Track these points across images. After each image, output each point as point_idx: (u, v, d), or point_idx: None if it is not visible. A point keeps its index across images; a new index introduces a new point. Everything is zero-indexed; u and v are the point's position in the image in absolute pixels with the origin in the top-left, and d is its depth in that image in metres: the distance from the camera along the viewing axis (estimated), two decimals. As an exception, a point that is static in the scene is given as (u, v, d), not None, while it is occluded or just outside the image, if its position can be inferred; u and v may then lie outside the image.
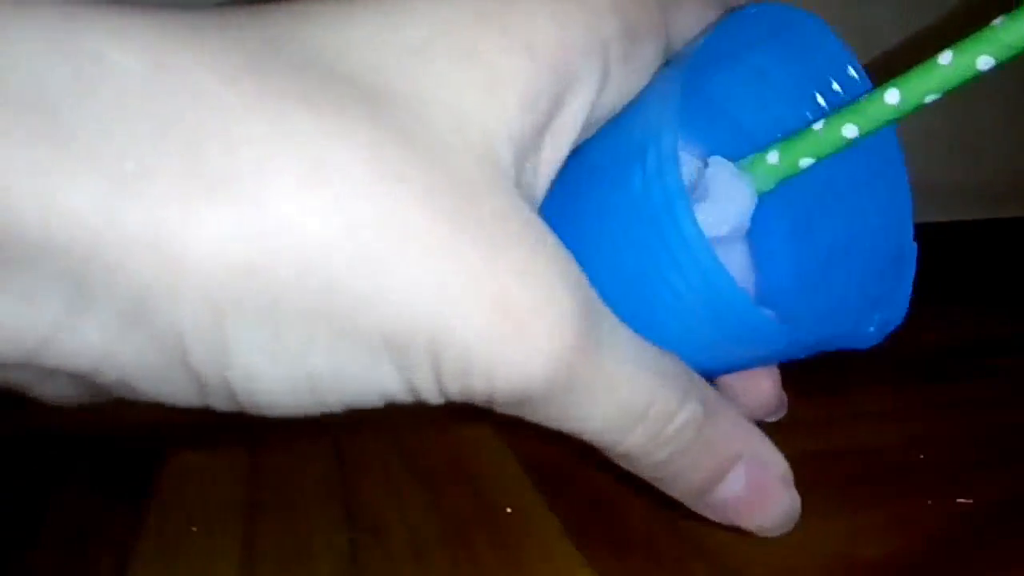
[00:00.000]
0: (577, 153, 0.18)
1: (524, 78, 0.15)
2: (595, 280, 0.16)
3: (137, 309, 0.13)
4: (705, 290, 0.17)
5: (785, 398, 0.23)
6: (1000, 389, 0.38)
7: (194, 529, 0.26)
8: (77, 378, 0.14)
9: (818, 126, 0.21)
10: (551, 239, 0.15)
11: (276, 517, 0.26)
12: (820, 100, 0.22)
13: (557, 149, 0.17)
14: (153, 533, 0.26)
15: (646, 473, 0.18)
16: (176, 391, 0.14)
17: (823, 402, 0.36)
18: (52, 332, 0.13)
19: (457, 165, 0.14)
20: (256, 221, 0.13)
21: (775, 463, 0.19)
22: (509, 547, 0.25)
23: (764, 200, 0.22)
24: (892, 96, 0.19)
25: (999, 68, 0.18)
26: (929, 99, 0.19)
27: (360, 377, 0.14)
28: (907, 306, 0.20)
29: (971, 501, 0.27)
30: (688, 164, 0.23)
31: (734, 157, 0.22)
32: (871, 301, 0.21)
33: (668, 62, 0.19)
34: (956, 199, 0.60)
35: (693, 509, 0.19)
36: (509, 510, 0.27)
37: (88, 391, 0.15)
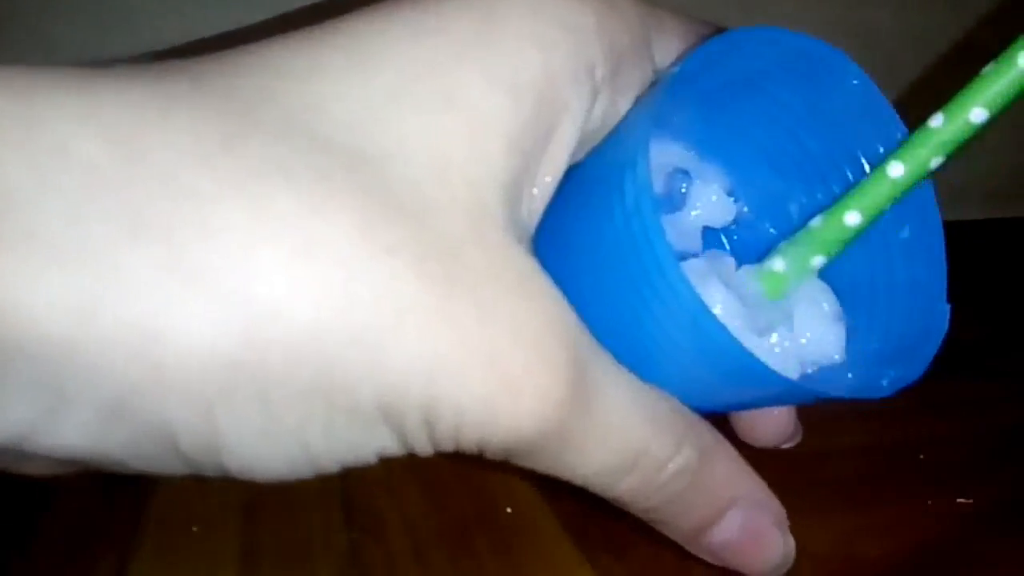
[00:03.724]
0: (567, 178, 0.17)
1: (507, 119, 0.15)
2: (590, 317, 0.16)
3: (120, 407, 0.12)
4: (696, 336, 0.16)
5: (799, 426, 0.22)
6: (1000, 389, 0.38)
7: (194, 529, 0.26)
8: (62, 461, 0.14)
9: (816, 221, 0.19)
10: (543, 287, 0.15)
11: (276, 517, 0.26)
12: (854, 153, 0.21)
13: (548, 181, 0.16)
14: (153, 533, 0.26)
15: (640, 515, 0.18)
16: (167, 469, 0.14)
17: (822, 402, 0.36)
18: (30, 430, 0.12)
19: (445, 224, 0.14)
20: (241, 312, 0.12)
21: (771, 508, 0.19)
22: (509, 547, 0.25)
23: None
24: (895, 170, 0.18)
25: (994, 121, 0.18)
26: (934, 164, 0.19)
27: (357, 443, 0.14)
28: (927, 366, 0.19)
29: (971, 501, 0.27)
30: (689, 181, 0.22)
31: (759, 182, 0.21)
32: (890, 354, 0.20)
33: (654, 83, 0.18)
34: (956, 199, 0.60)
35: (688, 550, 0.19)
36: (509, 510, 0.27)
37: (78, 467, 0.14)
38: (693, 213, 0.22)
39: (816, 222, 0.19)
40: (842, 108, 0.20)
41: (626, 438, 0.16)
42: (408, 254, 0.13)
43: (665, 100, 0.17)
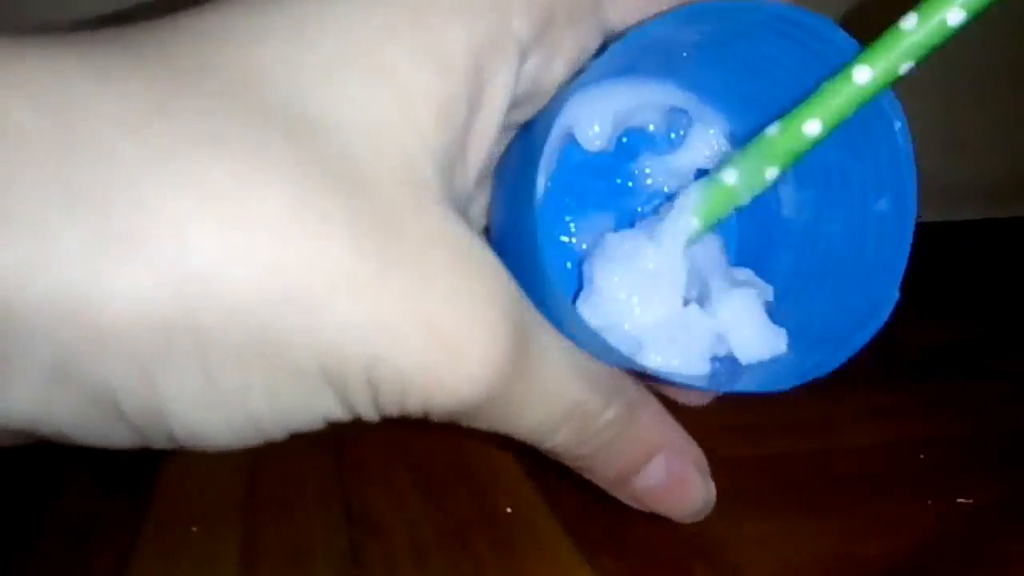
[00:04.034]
0: (509, 146, 0.18)
1: (435, 91, 0.15)
2: (524, 281, 0.17)
3: (62, 370, 0.13)
4: (571, 329, 0.18)
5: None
6: (1000, 389, 0.38)
7: (194, 529, 0.26)
8: (14, 431, 0.14)
9: (773, 129, 0.19)
10: (480, 254, 0.16)
11: (276, 517, 0.26)
12: None
13: (481, 148, 0.17)
14: (153, 533, 0.26)
15: (570, 463, 0.19)
16: (116, 439, 0.14)
17: (823, 402, 0.36)
18: None
19: (380, 193, 0.14)
20: (173, 276, 0.13)
21: (691, 454, 0.20)
22: (509, 547, 0.25)
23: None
24: (862, 75, 0.17)
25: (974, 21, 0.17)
26: (903, 70, 0.17)
27: (301, 409, 0.15)
28: (850, 356, 0.19)
29: (971, 501, 0.27)
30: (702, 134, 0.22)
31: (754, 127, 0.21)
32: (818, 337, 0.20)
33: (604, 46, 0.18)
34: (955, 199, 0.60)
35: (615, 496, 0.20)
36: (509, 510, 0.27)
37: (30, 438, 0.15)
38: (690, 154, 0.22)
39: (773, 130, 0.18)
40: (827, 66, 0.20)
41: (562, 397, 0.17)
42: (342, 222, 0.14)
43: (618, 53, 0.17)
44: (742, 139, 0.21)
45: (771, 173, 0.19)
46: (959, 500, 0.27)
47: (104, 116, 0.13)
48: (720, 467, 0.22)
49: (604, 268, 0.19)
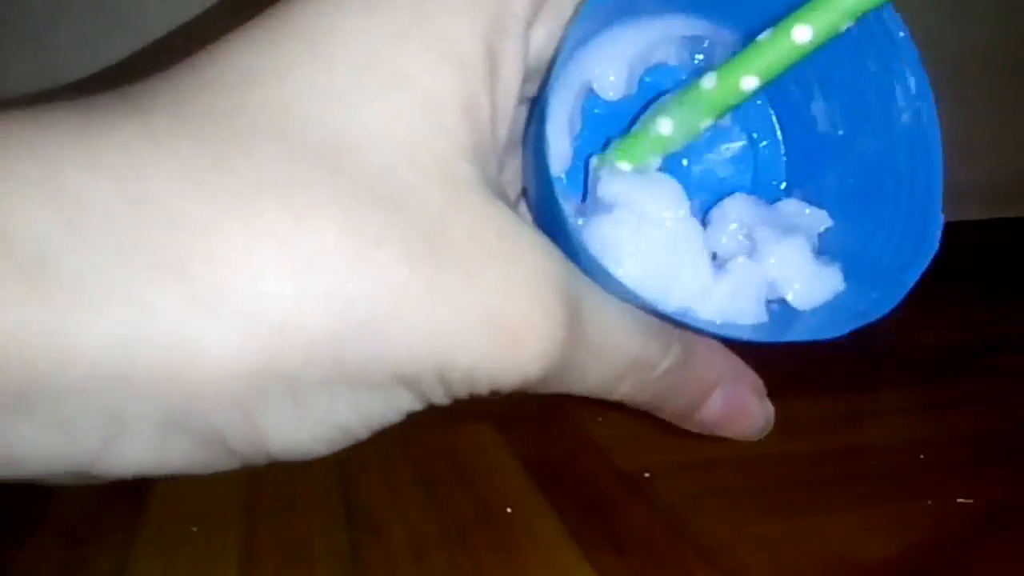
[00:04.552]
0: (528, 117, 0.18)
1: (454, 88, 0.16)
2: (564, 246, 0.17)
3: (172, 423, 0.14)
4: (609, 287, 0.18)
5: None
6: (1000, 389, 0.38)
7: (194, 529, 0.26)
8: (105, 476, 0.15)
9: (709, 81, 0.18)
10: (524, 236, 0.16)
11: (276, 517, 0.26)
12: None
13: (503, 126, 0.17)
14: (153, 533, 0.26)
15: (636, 407, 0.20)
16: (219, 467, 0.16)
17: (823, 402, 0.36)
18: (95, 457, 0.14)
19: (421, 201, 0.15)
20: (255, 327, 0.14)
21: (749, 380, 0.22)
22: (509, 547, 0.25)
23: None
24: (801, 33, 0.17)
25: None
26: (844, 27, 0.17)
27: (384, 410, 0.16)
28: (908, 291, 0.18)
29: (971, 501, 0.27)
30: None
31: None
32: (873, 273, 0.19)
33: None
34: (956, 199, 0.60)
35: (681, 427, 0.21)
36: (509, 510, 0.27)
37: (93, 480, 0.16)
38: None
39: (709, 82, 0.18)
40: None
41: (620, 353, 0.18)
42: (394, 241, 0.15)
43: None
44: None
45: (705, 124, 0.19)
46: (959, 500, 0.27)
47: (167, 182, 0.14)
48: (721, 467, 0.22)
49: (617, 265, 0.19)
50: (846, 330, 0.18)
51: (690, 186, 0.20)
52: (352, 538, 0.25)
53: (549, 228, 0.18)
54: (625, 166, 0.20)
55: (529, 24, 0.18)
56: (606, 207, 0.19)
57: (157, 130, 0.14)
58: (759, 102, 0.23)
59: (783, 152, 0.23)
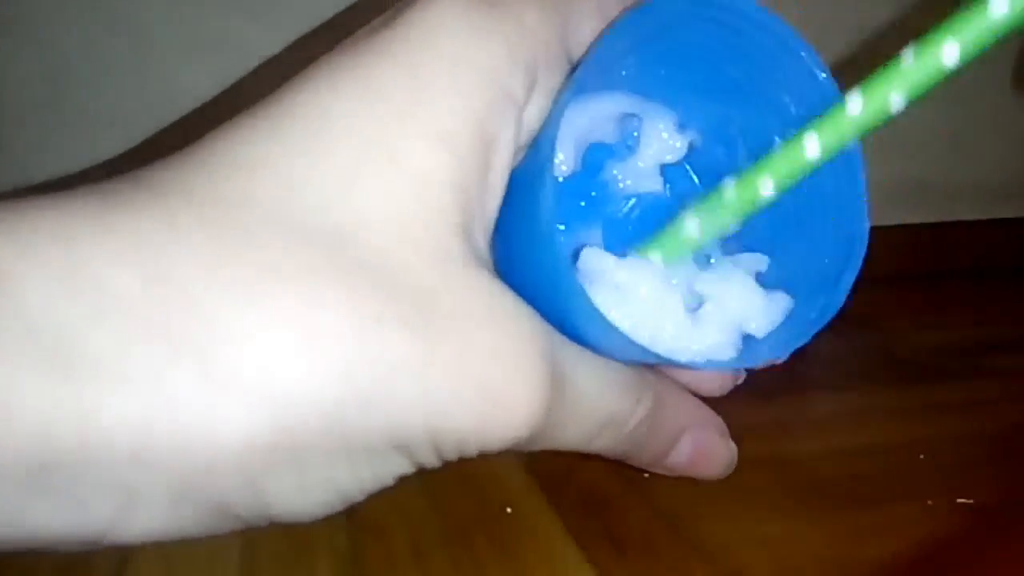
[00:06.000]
0: (510, 182, 0.19)
1: (447, 168, 0.17)
2: (542, 303, 0.18)
3: (185, 494, 0.15)
4: (602, 336, 0.19)
5: (737, 376, 0.25)
6: (1000, 389, 0.38)
7: (194, 529, 0.26)
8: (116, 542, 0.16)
9: (729, 184, 0.20)
10: (508, 306, 0.17)
11: (276, 517, 0.26)
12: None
13: (493, 201, 0.19)
14: (153, 533, 0.26)
15: (610, 456, 0.21)
16: (224, 531, 0.17)
17: (823, 402, 0.36)
18: (109, 527, 0.15)
19: (417, 280, 0.16)
20: (267, 406, 0.15)
21: (713, 424, 0.23)
22: (509, 547, 0.25)
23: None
24: (811, 148, 0.18)
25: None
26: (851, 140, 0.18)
27: (378, 474, 0.17)
28: (843, 299, 0.20)
29: (971, 501, 0.27)
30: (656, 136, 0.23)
31: (700, 111, 0.22)
32: (814, 285, 0.21)
33: (571, 70, 0.20)
34: (956, 199, 0.60)
35: (653, 471, 0.23)
36: (509, 510, 0.27)
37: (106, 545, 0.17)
38: (649, 152, 0.23)
39: (729, 189, 0.19)
40: (758, 44, 0.21)
41: (596, 411, 0.19)
42: (392, 317, 0.16)
43: (585, 74, 0.19)
44: (691, 125, 0.23)
45: (733, 225, 0.21)
46: (959, 500, 0.27)
47: (183, 268, 0.15)
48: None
49: (602, 300, 0.20)
50: (807, 338, 0.20)
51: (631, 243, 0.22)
52: (352, 538, 0.25)
53: (527, 283, 0.19)
54: (656, 257, 0.21)
55: (522, 105, 0.18)
56: (589, 281, 0.20)
57: (173, 218, 0.15)
58: (684, 166, 0.24)
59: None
